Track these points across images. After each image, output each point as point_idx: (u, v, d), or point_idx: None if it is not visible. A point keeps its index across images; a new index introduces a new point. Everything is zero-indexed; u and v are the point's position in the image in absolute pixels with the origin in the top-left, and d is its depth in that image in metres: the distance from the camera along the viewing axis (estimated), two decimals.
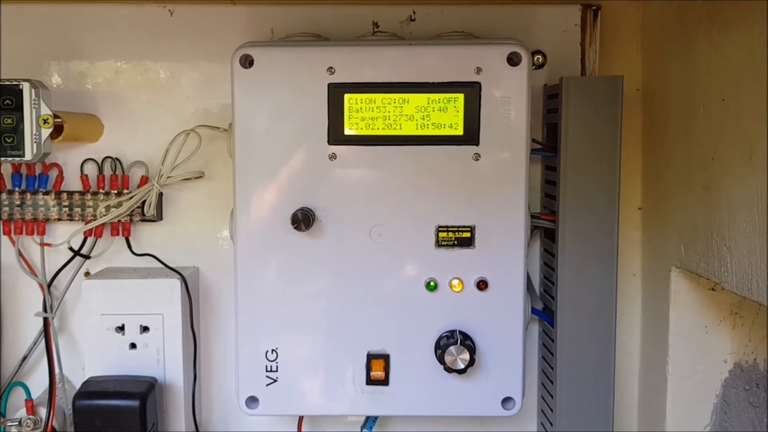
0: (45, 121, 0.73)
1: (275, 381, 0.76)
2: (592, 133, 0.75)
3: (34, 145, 0.73)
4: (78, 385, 0.87)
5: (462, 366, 0.72)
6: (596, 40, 0.83)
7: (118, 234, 0.86)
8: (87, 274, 0.87)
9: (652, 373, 0.85)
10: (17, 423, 0.82)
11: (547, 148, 0.80)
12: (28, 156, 0.73)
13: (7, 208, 0.85)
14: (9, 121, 0.73)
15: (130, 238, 0.86)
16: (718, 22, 0.69)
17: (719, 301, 0.80)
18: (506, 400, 0.76)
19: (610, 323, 0.78)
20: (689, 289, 0.80)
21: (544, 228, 0.82)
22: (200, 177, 0.85)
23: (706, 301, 0.80)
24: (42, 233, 0.86)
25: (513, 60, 0.71)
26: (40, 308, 0.86)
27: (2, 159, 0.73)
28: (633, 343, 0.89)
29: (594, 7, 0.84)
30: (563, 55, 0.84)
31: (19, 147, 0.73)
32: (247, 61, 0.72)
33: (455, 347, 0.72)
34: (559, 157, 0.76)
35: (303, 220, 0.72)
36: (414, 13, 0.84)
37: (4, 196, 0.85)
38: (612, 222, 0.76)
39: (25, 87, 0.73)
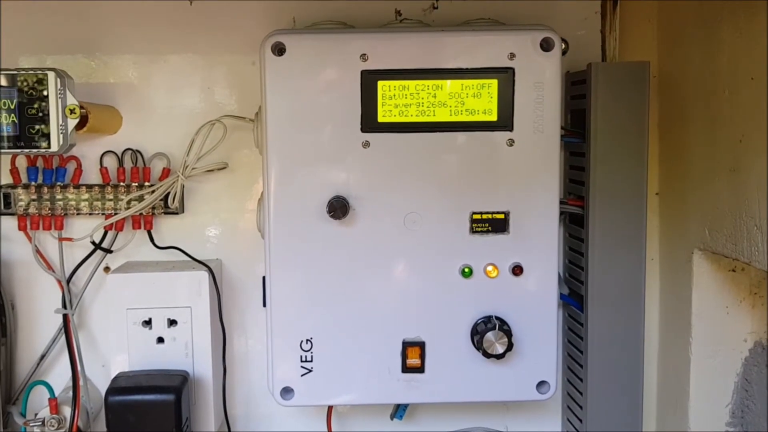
0: (72, 111, 0.71)
1: (310, 371, 0.75)
2: (620, 118, 0.76)
3: (61, 135, 0.71)
4: (98, 383, 0.87)
5: (501, 351, 0.73)
6: (616, 27, 0.84)
7: (139, 227, 0.84)
8: (107, 269, 0.85)
9: (674, 354, 0.87)
10: (40, 423, 0.80)
11: (572, 133, 0.81)
12: (54, 147, 0.71)
13: (22, 203, 0.83)
14: (33, 111, 0.71)
15: (152, 231, 0.85)
16: (743, 6, 0.71)
17: (739, 282, 0.82)
18: (541, 384, 0.76)
19: (638, 307, 0.79)
20: (711, 270, 0.82)
21: (569, 213, 0.83)
22: (224, 168, 0.84)
23: (727, 282, 0.82)
24: (60, 228, 0.84)
25: (546, 45, 0.71)
26: (56, 305, 0.84)
27: (27, 151, 0.71)
28: (652, 325, 0.90)
29: None
30: (584, 42, 0.84)
31: (44, 138, 0.71)
32: (278, 49, 0.71)
33: (493, 333, 0.73)
34: (588, 143, 0.77)
35: (340, 208, 0.71)
36: (436, 0, 0.84)
37: (20, 190, 0.83)
38: (640, 207, 0.78)
39: (51, 76, 0.71)
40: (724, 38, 0.74)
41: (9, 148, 0.71)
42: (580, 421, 0.83)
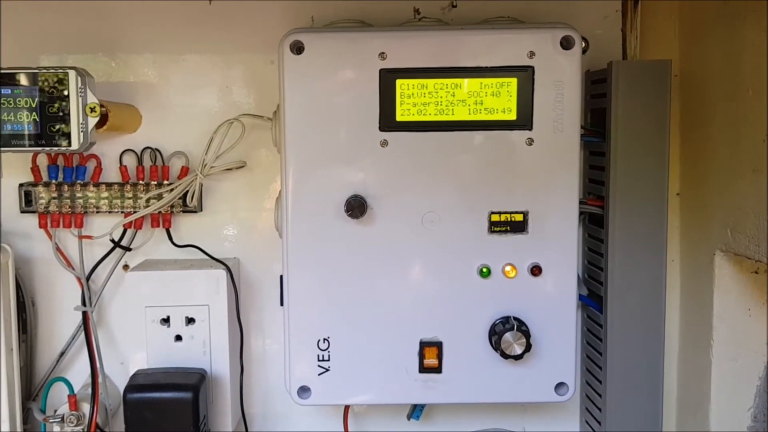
0: (92, 110, 0.71)
1: (327, 370, 0.75)
2: (640, 117, 0.76)
3: (81, 134, 0.72)
4: (117, 381, 0.87)
5: (519, 351, 0.72)
6: (637, 26, 0.83)
7: (158, 225, 0.85)
8: (126, 267, 0.86)
9: (695, 356, 0.85)
10: (59, 419, 0.81)
11: (592, 133, 0.80)
12: (75, 145, 0.72)
13: (43, 201, 0.83)
14: (54, 109, 0.71)
15: (170, 230, 0.85)
16: (767, 4, 0.70)
17: (762, 284, 0.80)
18: (559, 386, 0.75)
19: (659, 308, 0.78)
20: (733, 272, 0.80)
21: (589, 213, 0.82)
22: (242, 166, 0.84)
23: (749, 284, 0.80)
24: (80, 226, 0.84)
25: (566, 44, 0.71)
26: (76, 302, 0.85)
27: (48, 149, 0.72)
28: (672, 327, 0.89)
29: None
30: (604, 41, 0.84)
31: (65, 136, 0.71)
32: (297, 48, 0.71)
33: (511, 333, 0.72)
34: (608, 142, 0.76)
35: (358, 207, 0.71)
36: None
37: (40, 188, 0.83)
38: (661, 207, 0.77)
39: (71, 75, 0.71)
40: (747, 36, 0.73)
41: (30, 146, 0.72)
42: (599, 423, 0.82)
